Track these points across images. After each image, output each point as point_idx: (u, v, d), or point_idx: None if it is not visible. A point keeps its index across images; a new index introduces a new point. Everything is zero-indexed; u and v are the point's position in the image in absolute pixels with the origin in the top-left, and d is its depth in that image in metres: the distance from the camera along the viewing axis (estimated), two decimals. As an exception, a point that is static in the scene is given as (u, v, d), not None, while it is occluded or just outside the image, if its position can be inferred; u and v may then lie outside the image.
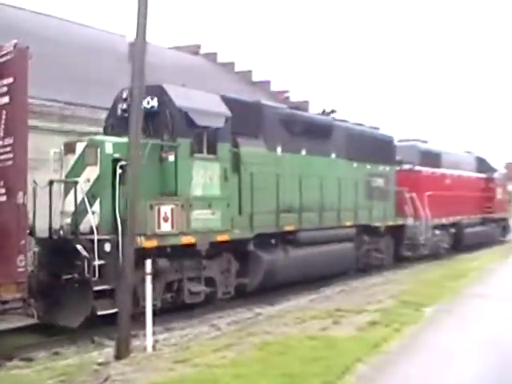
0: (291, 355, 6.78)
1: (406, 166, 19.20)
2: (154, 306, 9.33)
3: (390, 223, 16.71)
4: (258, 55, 75.17)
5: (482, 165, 25.66)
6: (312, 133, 13.66)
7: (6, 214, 7.58)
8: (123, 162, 8.83)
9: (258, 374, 6.05)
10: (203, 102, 10.42)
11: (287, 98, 30.26)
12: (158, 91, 10.00)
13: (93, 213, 8.72)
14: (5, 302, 7.91)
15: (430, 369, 6.40)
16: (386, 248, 16.83)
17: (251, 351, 7.11)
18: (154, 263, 9.26)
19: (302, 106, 27.34)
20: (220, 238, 10.38)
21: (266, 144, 12.20)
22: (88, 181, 8.82)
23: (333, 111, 15.41)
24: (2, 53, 7.75)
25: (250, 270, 11.35)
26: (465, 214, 22.29)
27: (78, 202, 8.77)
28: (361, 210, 15.17)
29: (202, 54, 32.10)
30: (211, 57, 32.04)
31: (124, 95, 10.19)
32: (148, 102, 9.99)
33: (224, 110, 10.67)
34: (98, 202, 8.78)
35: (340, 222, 14.17)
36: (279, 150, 12.66)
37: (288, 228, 12.28)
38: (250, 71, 31.78)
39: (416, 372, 6.35)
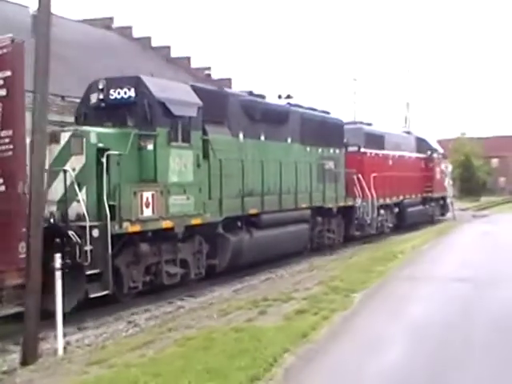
0: (215, 349, 6.71)
1: (352, 148, 20.98)
2: (135, 288, 10.58)
3: (341, 204, 18.50)
4: (176, 30, 74.67)
5: (422, 145, 27.99)
6: (270, 119, 15.07)
7: (6, 204, 8.46)
8: (110, 152, 9.88)
9: (180, 370, 5.93)
10: (177, 93, 11.56)
11: (208, 75, 30.31)
12: (135, 82, 11.03)
13: (79, 201, 9.70)
14: (1, 289, 8.81)
15: (358, 357, 6.57)
16: (338, 228, 18.63)
17: (172, 347, 7.02)
18: (136, 247, 10.46)
19: (225, 83, 28.18)
20: (194, 221, 11.65)
21: (230, 131, 13.48)
22: (73, 170, 9.76)
23: (289, 97, 16.84)
24: None
25: (218, 252, 12.69)
26: (407, 193, 24.58)
27: (66, 189, 9.72)
28: (315, 193, 16.82)
29: (115, 28, 31.07)
30: (125, 31, 31.06)
31: (100, 85, 11.13)
32: (125, 93, 11.00)
33: (196, 99, 11.84)
34: (84, 189, 9.76)
35: (297, 205, 15.74)
36: (241, 136, 13.98)
37: (252, 211, 13.71)
38: (167, 47, 31.19)
39: (344, 361, 6.50)
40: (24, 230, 8.57)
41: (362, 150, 21.47)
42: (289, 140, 16.12)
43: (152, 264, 10.98)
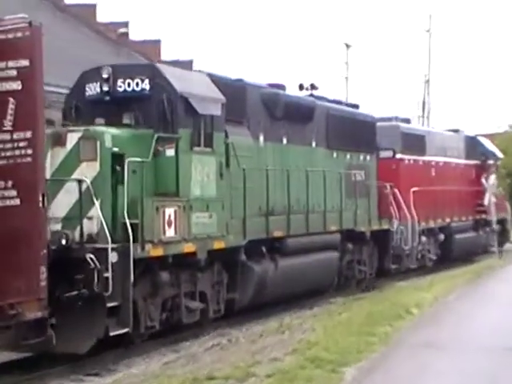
0: None
1: (385, 154, 23.76)
2: (152, 327, 12.93)
3: (375, 228, 21.18)
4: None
5: (473, 147, 31.10)
6: (294, 117, 17.71)
7: (21, 220, 10.69)
8: (132, 159, 12.24)
9: None
10: (198, 85, 14.07)
11: (124, 34, 30.89)
12: (150, 72, 13.54)
13: (90, 218, 12.04)
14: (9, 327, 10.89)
15: None
16: (369, 259, 21.31)
17: None
18: (155, 276, 12.84)
19: (150, 48, 29.25)
20: (216, 245, 14.12)
21: (250, 132, 16.00)
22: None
23: (313, 87, 19.48)
24: (6, 28, 10.70)
25: (239, 284, 15.15)
26: (455, 215, 27.62)
27: (73, 204, 12.04)
28: (345, 212, 19.50)
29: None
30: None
31: (105, 74, 13.50)
32: (137, 84, 13.41)
33: (218, 94, 14.38)
34: (97, 204, 12.07)
35: (325, 227, 18.35)
36: (262, 138, 16.54)
37: (277, 234, 16.29)
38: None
39: None
40: (44, 251, 10.84)
41: (399, 155, 24.35)
42: (313, 143, 18.78)
43: (169, 297, 13.34)
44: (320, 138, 19.07)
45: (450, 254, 27.10)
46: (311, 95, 19.55)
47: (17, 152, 10.74)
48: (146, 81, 13.44)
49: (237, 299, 15.23)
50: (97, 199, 12.09)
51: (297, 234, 17.03)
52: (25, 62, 10.68)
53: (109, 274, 11.63)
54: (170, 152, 13.25)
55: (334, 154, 19.80)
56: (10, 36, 10.70)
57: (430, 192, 25.24)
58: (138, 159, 12.47)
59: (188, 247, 13.38)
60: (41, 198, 10.75)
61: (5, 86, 10.68)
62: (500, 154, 33.84)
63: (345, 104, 21.53)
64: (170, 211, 12.90)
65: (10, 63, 10.71)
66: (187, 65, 25.64)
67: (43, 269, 10.73)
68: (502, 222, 32.97)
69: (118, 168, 12.39)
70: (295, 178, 17.33)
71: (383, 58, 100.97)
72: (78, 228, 11.97)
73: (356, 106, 22.23)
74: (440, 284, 21.14)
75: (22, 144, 10.74)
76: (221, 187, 14.31)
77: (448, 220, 26.93)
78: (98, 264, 11.60)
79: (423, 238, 24.77)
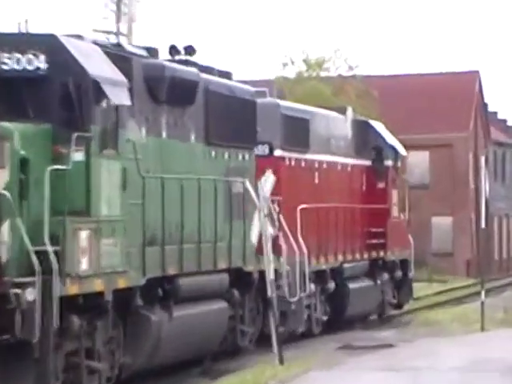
0: None
1: (259, 150, 31.12)
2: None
3: (263, 267, 29.04)
4: None
5: (365, 138, 38.96)
6: (175, 99, 25.29)
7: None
8: (57, 166, 19.55)
9: None
10: (102, 64, 21.33)
11: None
12: (49, 44, 20.41)
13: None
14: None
15: None
16: (250, 314, 29.64)
17: None
18: (66, 322, 20.38)
19: None
20: (121, 283, 21.60)
21: (136, 124, 23.61)
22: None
23: (189, 51, 27.23)
24: None
25: (130, 340, 22.76)
26: (347, 250, 35.68)
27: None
28: (234, 241, 27.67)
29: None
30: None
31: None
32: (30, 61, 20.31)
33: (121, 75, 21.70)
34: (6, 225, 19.23)
35: (216, 263, 26.55)
36: (143, 132, 24.14)
37: (172, 271, 24.12)
38: None
39: None
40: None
41: (278, 152, 32.17)
42: (192, 137, 26.66)
43: (70, 353, 20.65)
44: (199, 128, 26.66)
45: (342, 314, 35.15)
46: (186, 62, 26.88)
47: None
48: (42, 57, 20.11)
49: (128, 362, 22.72)
50: (5, 219, 18.85)
51: (189, 271, 24.94)
52: None
53: (36, 315, 18.30)
54: (79, 156, 20.18)
55: (213, 153, 27.60)
56: None
57: (319, 212, 33.03)
58: (59, 166, 19.47)
59: (98, 285, 20.66)
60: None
61: None
62: (403, 150, 41.78)
63: (217, 72, 28.72)
64: (83, 236, 20.10)
65: None
66: None
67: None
68: (402, 264, 41.18)
69: (22, 177, 19.17)
70: (188, 190, 24.94)
71: None
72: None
73: (228, 75, 29.73)
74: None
75: None
76: (124, 203, 21.69)
77: (340, 258, 34.86)
78: (23, 301, 18.29)
79: (312, 286, 32.31)
